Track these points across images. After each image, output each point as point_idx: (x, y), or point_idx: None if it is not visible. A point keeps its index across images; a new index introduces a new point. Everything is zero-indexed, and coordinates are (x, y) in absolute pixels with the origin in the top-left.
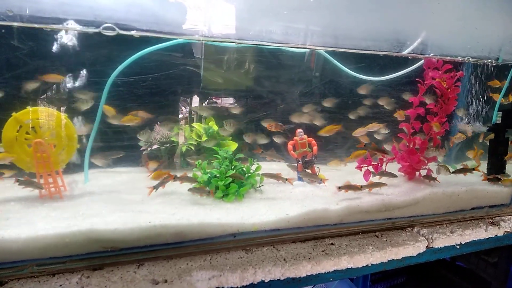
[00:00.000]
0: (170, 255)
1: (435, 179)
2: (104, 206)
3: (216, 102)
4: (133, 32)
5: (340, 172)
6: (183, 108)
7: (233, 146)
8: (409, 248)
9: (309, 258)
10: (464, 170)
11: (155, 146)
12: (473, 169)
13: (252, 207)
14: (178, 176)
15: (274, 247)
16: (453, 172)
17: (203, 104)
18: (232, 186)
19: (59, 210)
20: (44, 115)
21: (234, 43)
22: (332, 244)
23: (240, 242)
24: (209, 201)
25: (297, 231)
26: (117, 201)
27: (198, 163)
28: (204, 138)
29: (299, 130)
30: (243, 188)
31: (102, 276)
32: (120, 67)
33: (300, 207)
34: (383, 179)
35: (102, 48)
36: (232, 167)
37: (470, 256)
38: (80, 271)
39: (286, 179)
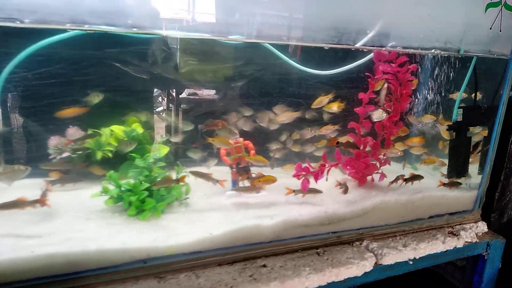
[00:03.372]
0: None
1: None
2: None
3: (196, 94)
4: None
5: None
6: (162, 100)
7: (164, 150)
8: (352, 268)
9: (231, 286)
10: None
11: (65, 154)
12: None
13: (171, 226)
14: None
15: (194, 272)
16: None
17: (180, 96)
18: (147, 201)
19: None
20: None
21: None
22: (264, 266)
23: (152, 268)
24: (121, 220)
25: (224, 251)
26: (7, 224)
27: (109, 175)
28: None
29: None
30: (160, 203)
31: None
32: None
33: (229, 223)
34: None
35: None
36: (153, 177)
37: None
38: None
39: (217, 181)
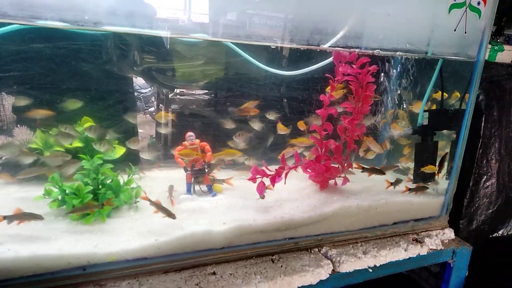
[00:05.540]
0: None
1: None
2: None
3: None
4: None
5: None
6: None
7: (120, 150)
8: (306, 276)
9: None
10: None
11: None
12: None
13: (115, 231)
14: None
15: (137, 280)
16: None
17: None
18: None
19: None
20: None
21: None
22: (213, 273)
23: (92, 275)
24: (63, 224)
25: (172, 258)
26: None
27: (51, 176)
28: (75, 143)
29: (190, 133)
30: (105, 208)
31: None
32: None
33: (177, 229)
34: None
35: None
36: (100, 180)
37: None
38: None
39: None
